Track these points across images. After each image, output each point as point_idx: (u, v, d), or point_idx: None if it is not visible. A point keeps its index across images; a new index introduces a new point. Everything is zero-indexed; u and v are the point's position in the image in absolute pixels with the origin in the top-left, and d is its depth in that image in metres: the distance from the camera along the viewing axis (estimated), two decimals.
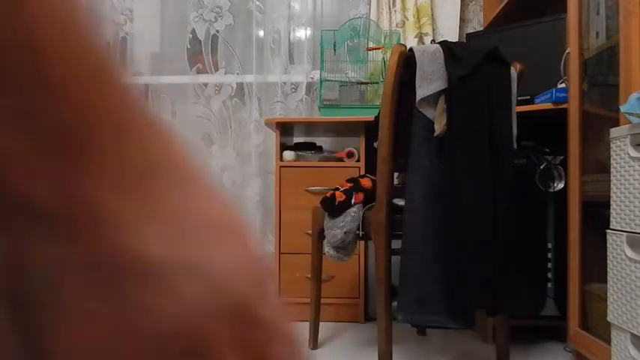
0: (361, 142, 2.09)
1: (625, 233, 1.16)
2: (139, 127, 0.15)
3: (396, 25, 2.53)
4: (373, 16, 2.53)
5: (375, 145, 1.42)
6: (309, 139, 2.53)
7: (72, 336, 0.13)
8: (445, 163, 1.28)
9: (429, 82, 1.29)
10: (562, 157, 1.70)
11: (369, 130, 2.08)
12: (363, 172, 2.05)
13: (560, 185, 1.68)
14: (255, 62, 2.62)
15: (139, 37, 2.73)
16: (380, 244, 1.37)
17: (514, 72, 1.40)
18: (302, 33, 2.66)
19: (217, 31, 2.68)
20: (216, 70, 2.69)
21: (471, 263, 1.24)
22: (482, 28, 2.52)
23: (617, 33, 1.31)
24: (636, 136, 1.13)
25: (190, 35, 2.67)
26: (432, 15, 2.54)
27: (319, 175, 2.06)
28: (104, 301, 0.13)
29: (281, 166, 2.07)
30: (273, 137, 2.63)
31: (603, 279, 1.27)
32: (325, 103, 2.21)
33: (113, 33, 2.70)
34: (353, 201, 1.49)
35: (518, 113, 1.41)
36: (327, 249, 1.53)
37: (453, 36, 2.53)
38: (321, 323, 1.86)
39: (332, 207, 1.50)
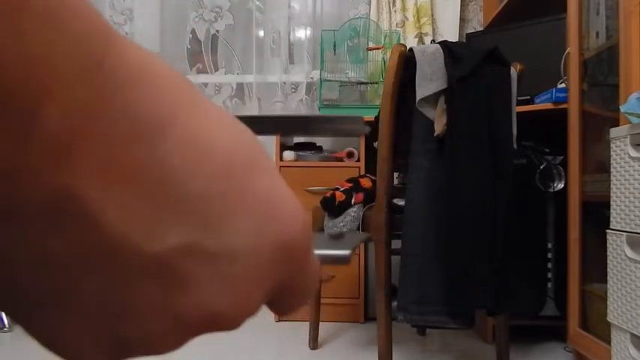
0: (361, 142, 2.09)
1: (625, 233, 1.16)
2: None
3: (396, 25, 2.53)
4: (373, 16, 2.53)
5: (375, 145, 1.42)
6: (309, 139, 2.53)
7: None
8: (445, 163, 1.27)
9: (429, 82, 1.29)
10: (562, 157, 1.69)
11: (369, 130, 2.08)
12: (363, 172, 2.05)
13: (560, 185, 1.68)
14: (255, 62, 2.62)
15: (139, 37, 2.73)
16: (380, 244, 1.37)
17: (514, 72, 1.40)
18: (302, 33, 2.66)
19: (217, 31, 2.68)
20: (216, 70, 2.69)
21: (471, 263, 1.24)
22: (482, 28, 2.52)
23: (617, 33, 1.31)
24: (636, 136, 1.13)
25: (190, 35, 2.67)
26: (432, 15, 2.54)
27: (319, 175, 2.06)
28: None
29: (281, 166, 2.07)
30: (273, 137, 2.63)
31: (603, 279, 1.27)
32: (325, 103, 2.21)
33: None
34: (353, 201, 1.49)
35: (518, 113, 1.41)
36: None
37: (453, 36, 2.53)
38: (321, 323, 1.86)
39: (332, 207, 1.50)
